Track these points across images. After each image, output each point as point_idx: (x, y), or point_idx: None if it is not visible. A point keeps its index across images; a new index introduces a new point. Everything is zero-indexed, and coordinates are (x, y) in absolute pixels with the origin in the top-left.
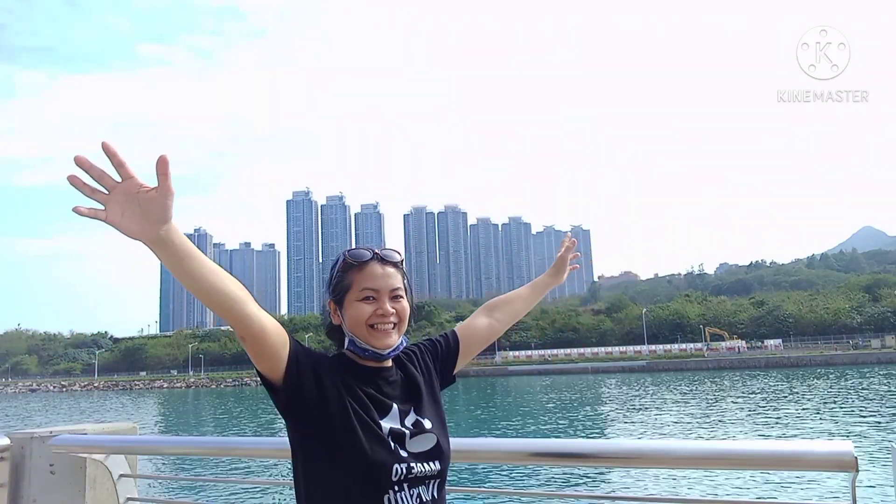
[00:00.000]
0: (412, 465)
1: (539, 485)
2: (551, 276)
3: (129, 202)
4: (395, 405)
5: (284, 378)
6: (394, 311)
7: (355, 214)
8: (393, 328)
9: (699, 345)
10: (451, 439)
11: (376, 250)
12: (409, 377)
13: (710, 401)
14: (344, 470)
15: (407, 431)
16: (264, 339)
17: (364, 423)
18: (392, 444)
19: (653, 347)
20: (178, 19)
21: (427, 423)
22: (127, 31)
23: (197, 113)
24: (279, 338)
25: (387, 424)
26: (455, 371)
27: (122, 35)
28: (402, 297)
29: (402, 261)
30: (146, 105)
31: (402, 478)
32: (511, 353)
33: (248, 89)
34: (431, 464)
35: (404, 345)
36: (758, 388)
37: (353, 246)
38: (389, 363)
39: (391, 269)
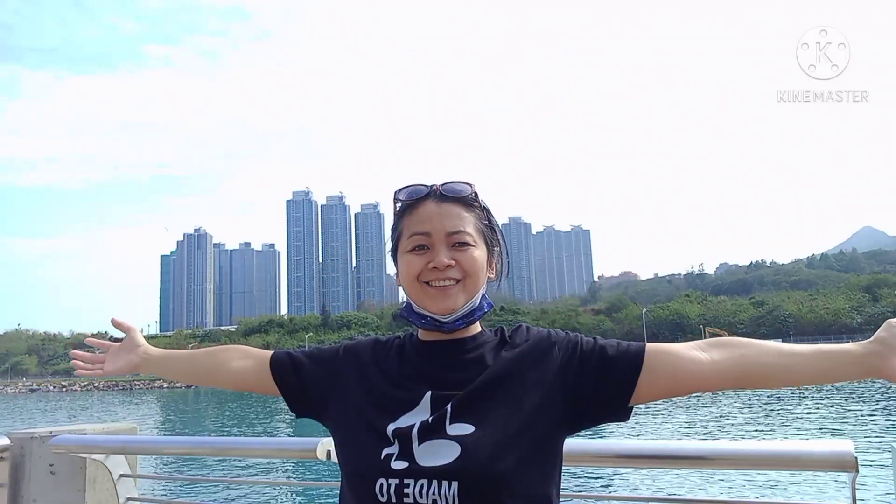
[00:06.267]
0: (406, 482)
1: None
2: (870, 349)
3: (114, 354)
4: (428, 393)
5: (286, 395)
6: (453, 262)
7: (355, 214)
8: (455, 285)
9: None
10: None
11: (437, 184)
12: (497, 362)
13: (709, 401)
14: (345, 479)
15: (415, 436)
16: (253, 387)
17: (361, 424)
18: (388, 451)
19: None
20: (185, 20)
21: (461, 428)
22: (133, 32)
23: (199, 113)
24: (261, 374)
25: (395, 425)
26: (631, 400)
27: (128, 36)
28: (468, 244)
29: (472, 194)
30: (150, 106)
31: (391, 500)
32: None
33: (251, 90)
34: (445, 485)
35: (486, 309)
36: (757, 388)
37: (354, 244)
38: (474, 331)
39: (454, 208)
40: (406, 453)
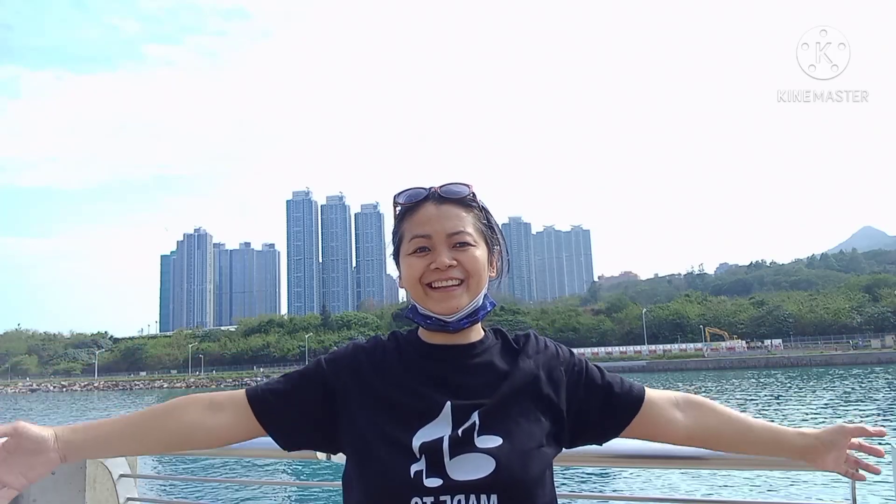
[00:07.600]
0: (442, 499)
1: None
2: (808, 444)
3: (17, 463)
4: (448, 403)
5: (277, 434)
6: (455, 262)
7: (355, 214)
8: (458, 286)
9: (699, 345)
10: None
11: (436, 186)
12: (512, 369)
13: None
14: (365, 497)
15: (447, 450)
16: (237, 439)
17: (381, 439)
18: (416, 468)
19: (653, 347)
20: (185, 20)
21: (490, 440)
22: (133, 32)
23: (200, 113)
24: (243, 422)
25: (419, 439)
26: (621, 431)
27: (128, 36)
28: (469, 243)
29: (470, 195)
30: (151, 105)
31: None
32: None
33: (252, 90)
34: (483, 499)
35: (489, 308)
36: (758, 388)
37: (354, 244)
38: (478, 336)
39: (453, 209)
40: (437, 469)
